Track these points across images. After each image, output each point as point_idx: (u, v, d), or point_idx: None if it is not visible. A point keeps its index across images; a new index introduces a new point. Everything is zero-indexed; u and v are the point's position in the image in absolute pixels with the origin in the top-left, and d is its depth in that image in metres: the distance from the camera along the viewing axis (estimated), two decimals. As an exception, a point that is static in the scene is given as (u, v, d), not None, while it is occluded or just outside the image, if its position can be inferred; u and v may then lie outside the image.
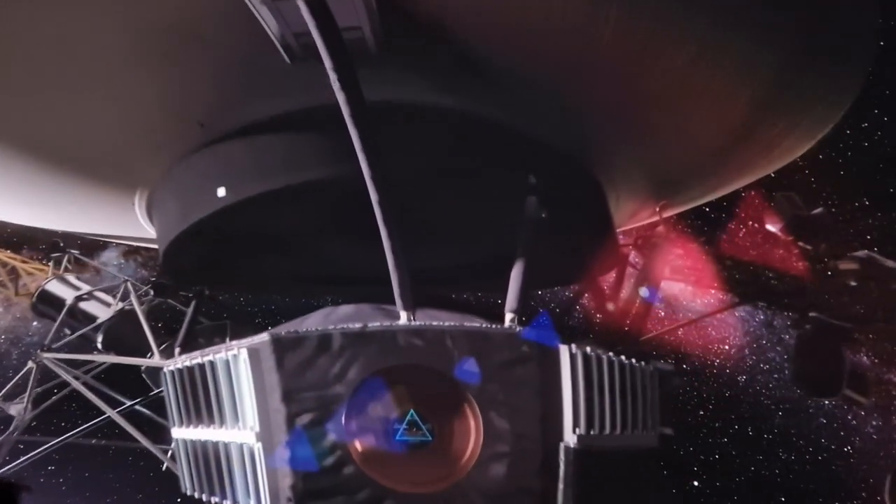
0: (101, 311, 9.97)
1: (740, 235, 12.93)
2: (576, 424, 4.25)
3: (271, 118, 5.12)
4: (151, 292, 9.37)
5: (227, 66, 4.75)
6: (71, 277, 10.95)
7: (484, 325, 4.30)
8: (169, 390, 5.24)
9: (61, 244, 11.33)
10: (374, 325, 4.18)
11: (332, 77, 3.86)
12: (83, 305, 10.12)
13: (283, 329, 4.55)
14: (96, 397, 8.22)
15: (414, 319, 4.33)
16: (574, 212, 6.08)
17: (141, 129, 5.39)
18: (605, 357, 4.58)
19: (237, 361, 4.34)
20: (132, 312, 9.14)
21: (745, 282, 13.03)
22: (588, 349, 4.44)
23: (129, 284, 9.70)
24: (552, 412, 4.22)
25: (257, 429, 4.18)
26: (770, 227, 13.09)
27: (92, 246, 12.54)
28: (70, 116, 5.25)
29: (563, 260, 6.62)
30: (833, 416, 14.42)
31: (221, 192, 5.32)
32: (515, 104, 5.18)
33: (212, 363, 4.61)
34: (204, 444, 4.85)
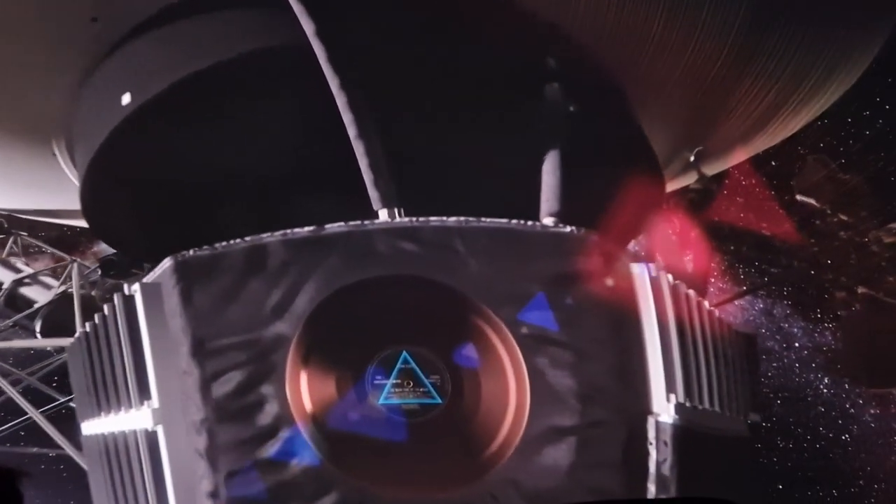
0: (46, 296, 8.65)
1: (774, 207, 11.93)
2: (670, 389, 2.65)
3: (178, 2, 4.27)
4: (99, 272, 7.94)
5: None
6: (18, 261, 9.63)
7: (514, 222, 2.71)
8: (70, 371, 4.00)
9: (5, 225, 9.88)
10: (336, 225, 2.59)
11: None
12: (24, 291, 8.83)
13: None
14: (20, 396, 6.77)
15: (401, 216, 2.73)
16: (600, 118, 4.73)
17: (30, 48, 4.57)
18: (692, 292, 3.03)
19: (132, 306, 2.82)
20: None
21: (789, 254, 11.88)
22: (671, 276, 2.88)
23: (74, 264, 8.31)
24: (629, 367, 2.63)
25: (156, 405, 2.64)
26: (801, 197, 11.92)
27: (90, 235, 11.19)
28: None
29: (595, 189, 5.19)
30: (831, 405, 13.93)
31: (126, 98, 4.30)
32: None
33: (104, 318, 3.11)
34: (105, 438, 3.39)
